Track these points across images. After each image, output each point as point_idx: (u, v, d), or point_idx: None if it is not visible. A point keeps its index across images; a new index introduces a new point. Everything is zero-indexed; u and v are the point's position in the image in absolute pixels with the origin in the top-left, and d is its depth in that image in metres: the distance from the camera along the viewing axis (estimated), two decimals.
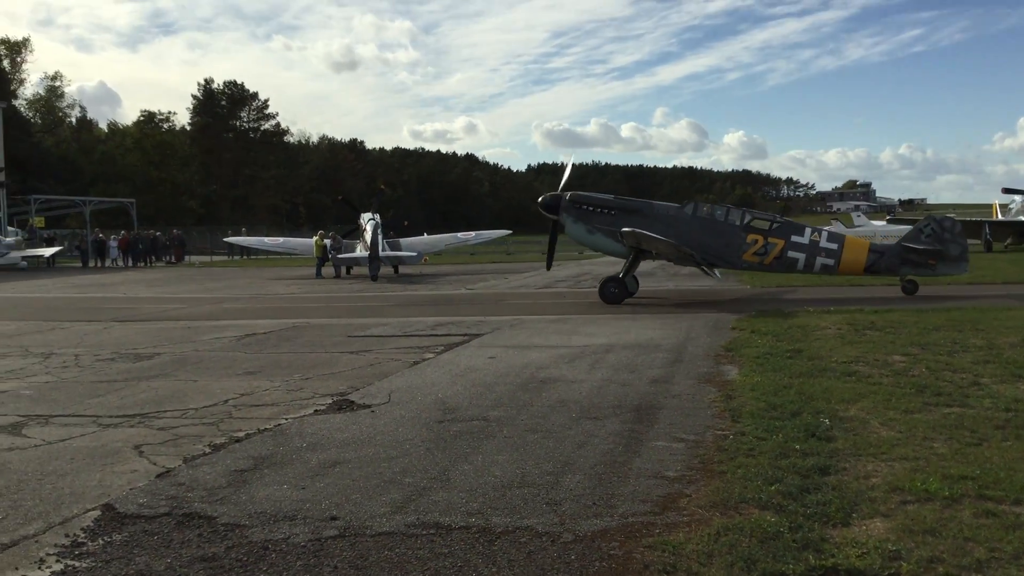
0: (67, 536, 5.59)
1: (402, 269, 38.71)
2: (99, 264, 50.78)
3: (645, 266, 29.95)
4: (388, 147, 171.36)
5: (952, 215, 23.27)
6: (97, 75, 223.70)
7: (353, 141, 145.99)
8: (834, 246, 21.20)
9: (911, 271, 21.21)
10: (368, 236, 35.35)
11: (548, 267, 25.79)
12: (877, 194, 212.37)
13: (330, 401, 9.92)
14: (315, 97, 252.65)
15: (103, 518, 5.94)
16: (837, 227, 68.53)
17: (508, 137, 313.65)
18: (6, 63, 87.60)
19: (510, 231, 53.92)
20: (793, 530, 5.41)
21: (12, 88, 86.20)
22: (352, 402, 9.83)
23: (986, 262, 35.31)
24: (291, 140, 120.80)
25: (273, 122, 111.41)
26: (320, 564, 5.10)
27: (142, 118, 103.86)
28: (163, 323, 19.15)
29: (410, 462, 7.21)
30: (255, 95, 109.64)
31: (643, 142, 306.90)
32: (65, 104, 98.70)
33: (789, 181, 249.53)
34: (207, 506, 6.14)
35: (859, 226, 72.32)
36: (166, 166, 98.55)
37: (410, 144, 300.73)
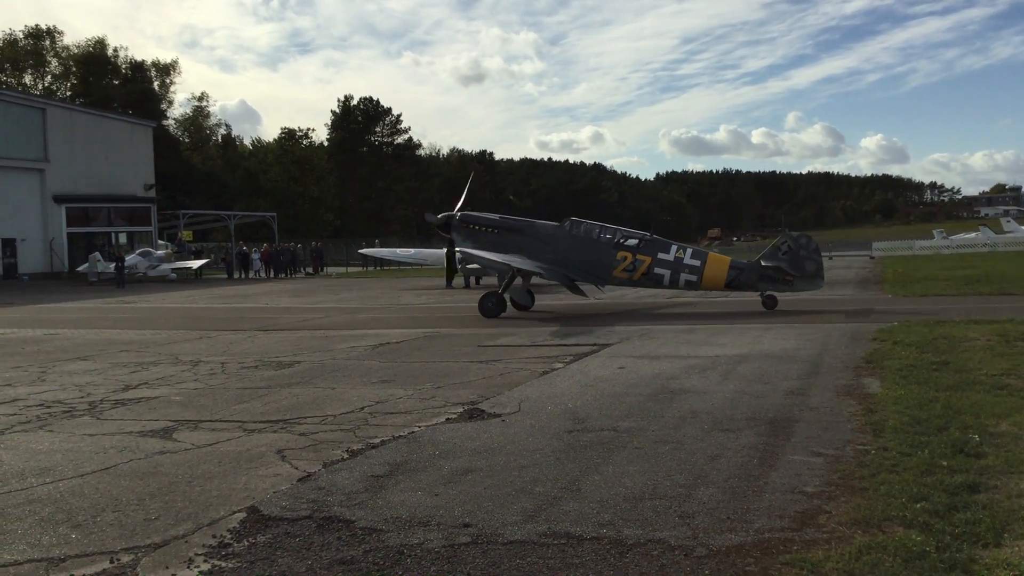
0: (214, 537, 5.84)
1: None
2: (243, 275, 53.01)
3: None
4: (516, 158, 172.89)
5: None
6: (238, 94, 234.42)
7: (482, 152, 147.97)
8: (697, 263, 21.98)
9: (769, 286, 21.79)
10: None
11: (448, 283, 27.36)
12: None
13: (461, 410, 10.05)
14: (445, 110, 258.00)
15: (248, 520, 6.18)
16: (985, 233, 65.20)
17: (635, 146, 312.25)
18: (156, 84, 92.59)
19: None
20: (940, 550, 5.17)
21: (162, 108, 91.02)
22: (483, 411, 9.94)
23: None
24: (422, 153, 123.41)
25: (405, 136, 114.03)
26: (453, 570, 5.17)
27: (283, 135, 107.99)
28: (302, 332, 19.83)
29: (540, 471, 7.24)
30: (389, 110, 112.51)
31: (775, 148, 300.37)
32: (211, 123, 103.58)
33: (932, 186, 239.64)
34: (346, 510, 6.32)
35: (1009, 231, 68.53)
36: (304, 180, 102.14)
37: (537, 154, 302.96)
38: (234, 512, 6.35)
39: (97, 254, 47.46)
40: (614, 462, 7.47)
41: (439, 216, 24.54)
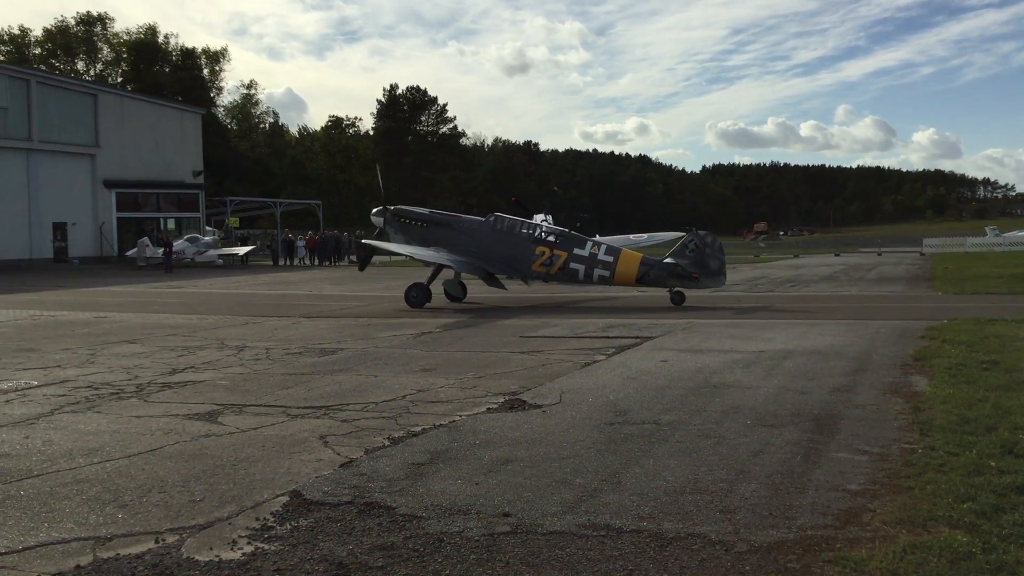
0: (257, 520, 5.92)
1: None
2: (288, 263, 53.59)
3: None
4: (560, 148, 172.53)
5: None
6: (285, 82, 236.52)
7: (527, 143, 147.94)
8: (610, 259, 22.34)
9: (677, 283, 22.23)
10: None
11: (361, 269, 29.39)
12: None
13: (502, 400, 10.08)
14: (490, 100, 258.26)
15: (291, 504, 6.26)
16: (989, 233, 63.50)
17: (681, 137, 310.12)
18: (206, 72, 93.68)
19: (684, 233, 52.88)
20: (986, 551, 5.09)
21: (211, 95, 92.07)
22: (524, 401, 9.96)
23: None
24: (467, 143, 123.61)
25: (450, 125, 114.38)
26: (492, 559, 5.20)
27: (329, 123, 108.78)
28: (345, 320, 20.00)
29: (581, 463, 7.24)
30: (434, 99, 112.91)
31: (824, 141, 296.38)
32: (259, 111, 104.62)
33: (985, 182, 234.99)
34: (387, 496, 6.37)
35: None
36: (350, 169, 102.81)
37: (582, 145, 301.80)
38: (277, 496, 6.43)
39: (146, 239, 48.23)
40: (655, 455, 7.45)
41: (374, 210, 25.63)
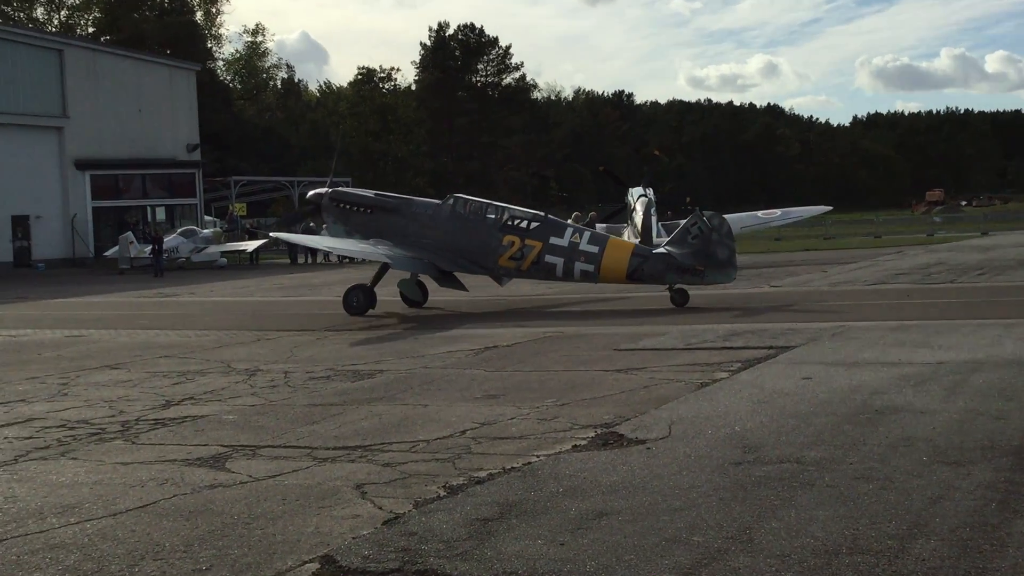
0: None
1: None
2: (309, 260, 54.14)
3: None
4: (662, 100, 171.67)
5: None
6: (301, 24, 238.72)
7: (618, 94, 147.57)
8: (594, 249, 22.79)
9: (678, 279, 22.61)
10: (639, 218, 35.49)
11: (292, 261, 29.44)
12: None
13: (593, 434, 10.08)
14: (567, 39, 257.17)
15: (322, 572, 6.35)
16: None
17: (824, 80, 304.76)
18: (199, 16, 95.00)
19: (830, 207, 52.16)
20: None
21: (208, 47, 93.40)
22: (621, 436, 9.95)
23: None
24: (539, 96, 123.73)
25: (517, 75, 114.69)
26: None
27: (359, 77, 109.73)
28: (385, 331, 20.19)
29: (699, 516, 7.22)
30: (495, 41, 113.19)
31: (1019, 79, 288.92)
32: (268, 64, 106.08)
33: None
34: (445, 562, 6.43)
35: None
36: (387, 136, 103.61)
37: (690, 95, 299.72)
38: (304, 562, 6.52)
39: (129, 235, 49.13)
40: (798, 504, 7.38)
41: (308, 195, 26.30)
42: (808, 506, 7.34)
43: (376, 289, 23.85)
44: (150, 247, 46.96)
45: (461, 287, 24.59)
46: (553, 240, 23.01)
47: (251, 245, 52.76)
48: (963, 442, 9.10)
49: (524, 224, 23.53)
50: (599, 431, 10.20)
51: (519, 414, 11.25)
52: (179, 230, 52.72)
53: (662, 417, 10.74)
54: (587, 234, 23.55)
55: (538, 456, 9.23)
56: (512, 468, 8.81)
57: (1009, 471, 8.08)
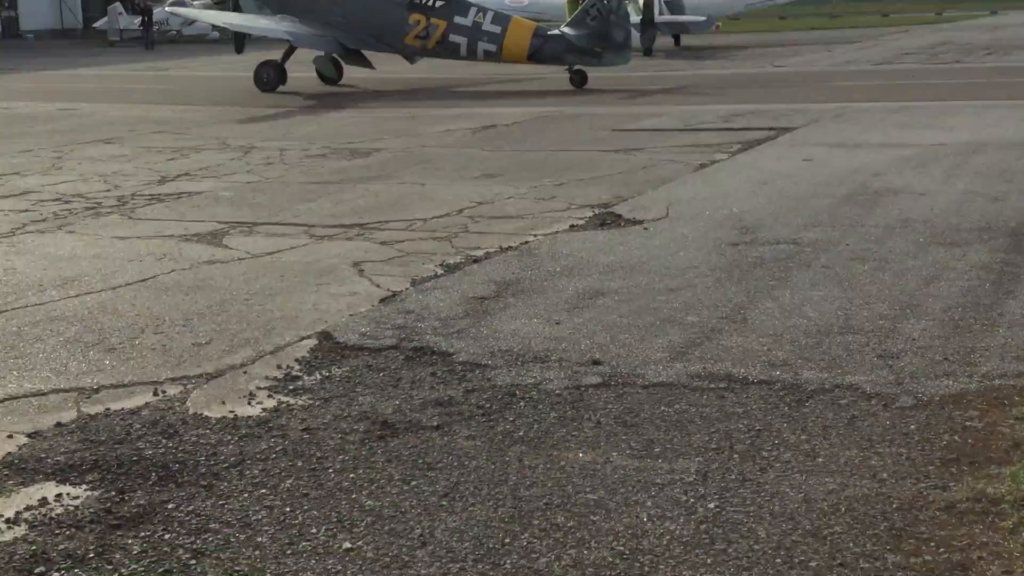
0: (279, 367, 6.11)
1: (685, 40, 37.95)
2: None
3: None
4: None
5: None
6: None
7: None
8: (497, 29, 23.18)
9: (577, 59, 23.20)
10: None
11: (238, 50, 28.13)
12: None
13: (591, 214, 10.09)
14: None
15: (320, 348, 6.42)
16: None
17: None
18: None
19: None
20: None
21: None
22: (619, 216, 9.96)
23: None
24: None
25: None
26: (579, 417, 5.28)
27: None
28: (382, 110, 19.99)
29: (695, 296, 7.27)
30: None
31: None
32: None
33: None
34: (441, 340, 6.50)
35: None
36: None
37: None
38: (302, 338, 6.59)
39: (118, 5, 48.15)
40: (793, 285, 7.44)
41: None
42: (803, 287, 7.39)
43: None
44: (140, 19, 46.02)
45: (368, 65, 24.45)
46: (457, 19, 23.24)
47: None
48: (960, 223, 9.11)
49: (430, 3, 23.47)
50: (597, 211, 10.20)
51: (516, 193, 11.23)
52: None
53: (660, 198, 10.72)
54: (490, 14, 23.61)
55: (535, 235, 9.25)
56: (509, 247, 8.83)
57: (1004, 252, 8.11)
